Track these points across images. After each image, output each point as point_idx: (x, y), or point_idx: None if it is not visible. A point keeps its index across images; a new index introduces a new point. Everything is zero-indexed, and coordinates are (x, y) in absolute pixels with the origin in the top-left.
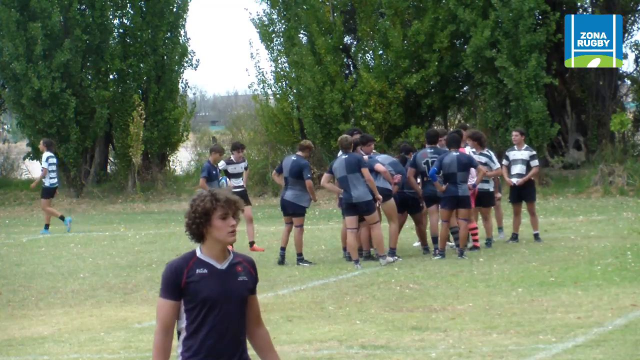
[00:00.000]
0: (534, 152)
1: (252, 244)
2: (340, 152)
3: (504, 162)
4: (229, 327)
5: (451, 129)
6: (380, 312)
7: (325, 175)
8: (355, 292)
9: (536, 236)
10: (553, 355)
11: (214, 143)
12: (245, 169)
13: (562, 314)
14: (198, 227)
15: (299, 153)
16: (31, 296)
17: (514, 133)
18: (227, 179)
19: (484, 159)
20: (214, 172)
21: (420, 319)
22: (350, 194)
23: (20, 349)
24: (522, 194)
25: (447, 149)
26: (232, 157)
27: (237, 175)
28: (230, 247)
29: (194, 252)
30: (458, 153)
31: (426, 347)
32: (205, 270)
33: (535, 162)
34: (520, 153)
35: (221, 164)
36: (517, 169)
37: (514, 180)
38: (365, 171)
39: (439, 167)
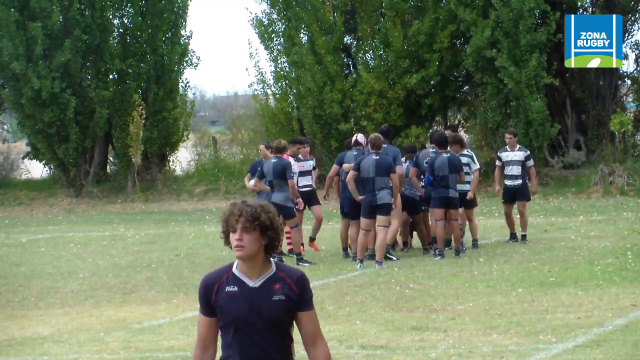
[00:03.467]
0: (528, 152)
1: (312, 239)
2: (346, 150)
3: (497, 163)
4: (262, 350)
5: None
6: (380, 312)
7: (352, 173)
8: (355, 292)
9: (523, 237)
10: (553, 355)
11: (297, 137)
12: (314, 168)
13: (562, 314)
14: (224, 238)
15: (279, 155)
16: (31, 296)
17: (507, 135)
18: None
19: (465, 160)
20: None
21: (420, 319)
22: (375, 196)
23: (20, 349)
24: (517, 194)
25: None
26: (300, 155)
27: (304, 174)
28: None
29: (230, 266)
30: (449, 154)
31: (426, 347)
32: (236, 288)
33: (530, 162)
34: (514, 154)
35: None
36: (512, 170)
37: (508, 183)
38: (395, 177)
39: (430, 171)
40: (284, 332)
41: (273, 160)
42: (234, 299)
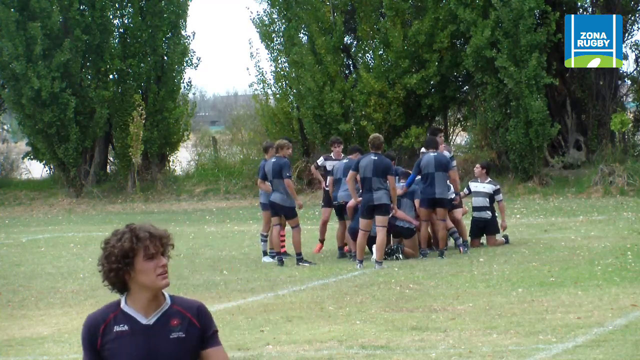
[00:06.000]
0: (498, 186)
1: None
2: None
3: (465, 191)
4: None
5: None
6: (380, 312)
7: (352, 173)
8: (355, 292)
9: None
10: (553, 355)
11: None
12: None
13: (562, 314)
14: (117, 274)
15: (278, 154)
16: (31, 296)
17: (475, 167)
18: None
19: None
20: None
21: (420, 319)
22: (372, 196)
23: (20, 349)
24: (485, 227)
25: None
26: (332, 154)
27: (332, 173)
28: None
29: (117, 303)
30: (436, 154)
31: (426, 347)
32: (126, 327)
33: (499, 197)
34: (482, 185)
35: (320, 160)
36: (479, 201)
37: (476, 214)
38: (391, 179)
39: (417, 171)
40: None
41: (272, 160)
42: (124, 340)
